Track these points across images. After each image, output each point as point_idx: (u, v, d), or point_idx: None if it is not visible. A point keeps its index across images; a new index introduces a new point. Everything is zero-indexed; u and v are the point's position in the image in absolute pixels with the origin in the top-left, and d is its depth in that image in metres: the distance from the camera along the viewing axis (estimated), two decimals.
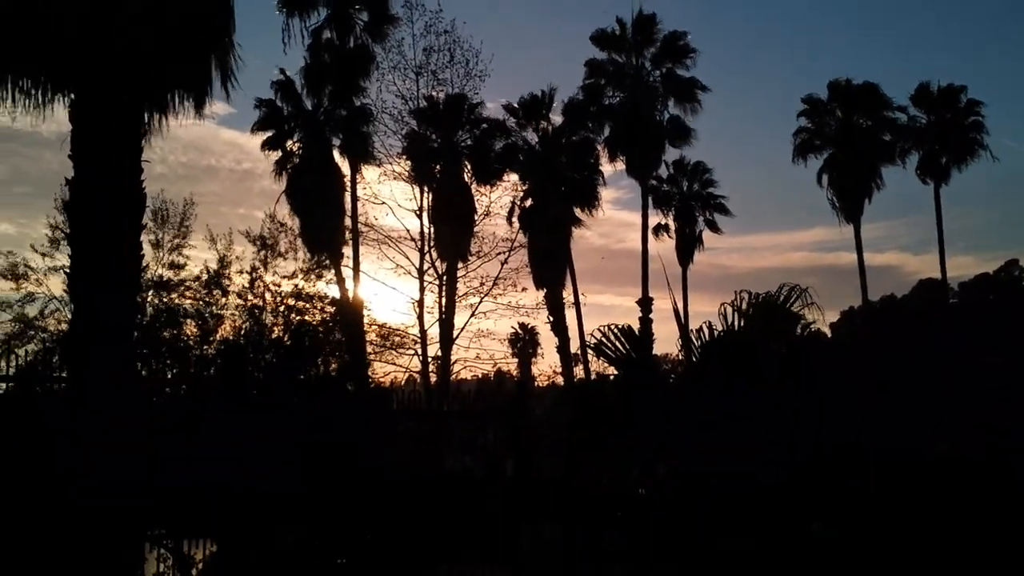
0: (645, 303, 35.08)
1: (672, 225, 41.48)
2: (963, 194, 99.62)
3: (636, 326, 12.31)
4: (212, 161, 71.71)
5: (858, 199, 38.57)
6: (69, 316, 16.45)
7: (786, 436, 10.06)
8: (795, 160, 39.86)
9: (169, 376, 19.09)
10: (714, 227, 41.96)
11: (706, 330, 11.28)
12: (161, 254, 21.84)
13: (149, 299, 20.38)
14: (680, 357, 12.55)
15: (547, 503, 10.86)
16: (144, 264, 13.56)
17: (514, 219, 35.10)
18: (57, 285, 20.36)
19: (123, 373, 11.05)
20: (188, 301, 21.42)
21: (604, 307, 77.21)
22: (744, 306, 11.13)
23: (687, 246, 41.41)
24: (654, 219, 39.62)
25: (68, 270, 11.67)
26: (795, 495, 9.97)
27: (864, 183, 38.47)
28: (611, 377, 12.27)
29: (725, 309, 11.15)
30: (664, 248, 40.67)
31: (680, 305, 35.88)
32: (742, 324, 11.14)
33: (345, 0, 29.92)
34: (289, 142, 30.65)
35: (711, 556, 10.01)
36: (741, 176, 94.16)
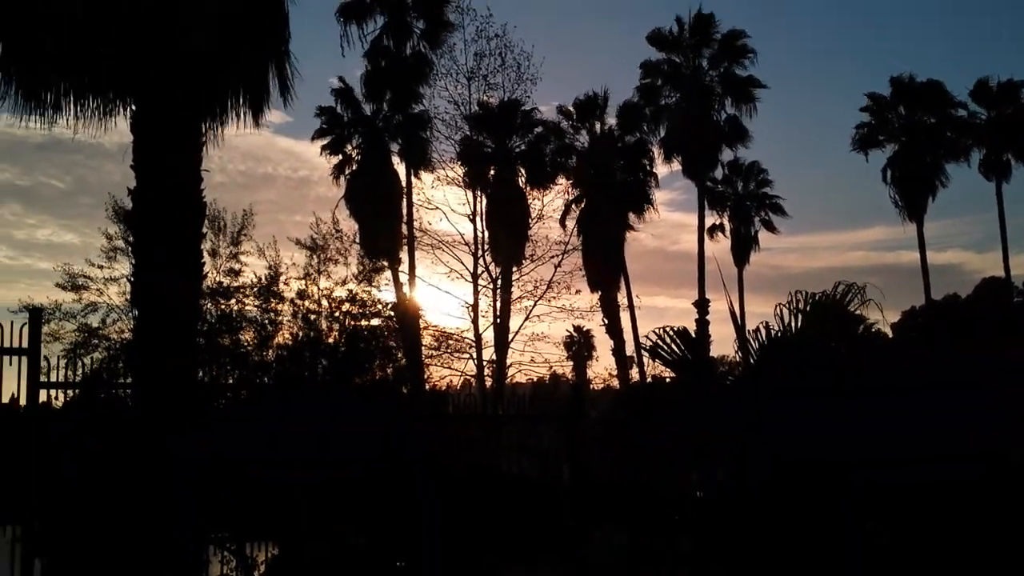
0: (702, 304, 34.86)
1: (727, 225, 41.22)
2: None
3: (692, 328, 12.23)
4: (269, 169, 72.83)
5: (922, 197, 38.02)
6: (130, 324, 16.82)
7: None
8: (854, 150, 39.37)
9: (229, 381, 19.36)
10: (770, 227, 41.63)
11: (763, 331, 11.15)
12: (219, 262, 22.16)
13: (208, 306, 20.69)
14: (737, 359, 12.42)
15: (606, 506, 10.82)
16: (204, 271, 13.78)
17: (567, 222, 35.14)
18: (116, 294, 20.77)
19: (185, 379, 11.25)
20: (246, 307, 21.71)
21: (659, 309, 76.67)
22: (801, 306, 10.98)
23: (743, 247, 41.10)
24: (709, 220, 39.44)
25: (130, 279, 11.90)
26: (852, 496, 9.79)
27: (928, 181, 37.91)
28: (667, 380, 12.18)
29: (781, 310, 11.01)
30: (719, 249, 40.46)
31: (736, 306, 35.52)
32: (799, 325, 10.99)
33: (402, 7, 30.26)
34: (348, 147, 31.14)
35: (773, 561, 9.88)
36: (798, 175, 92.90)
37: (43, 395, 10.48)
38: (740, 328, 11.78)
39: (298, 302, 22.50)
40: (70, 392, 11.44)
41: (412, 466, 10.33)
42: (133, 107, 11.55)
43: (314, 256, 23.90)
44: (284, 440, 10.08)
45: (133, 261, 11.74)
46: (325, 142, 31.15)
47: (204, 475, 9.75)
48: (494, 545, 10.58)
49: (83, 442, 9.82)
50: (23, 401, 10.32)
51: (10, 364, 10.18)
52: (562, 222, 35.10)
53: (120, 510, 9.54)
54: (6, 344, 10.06)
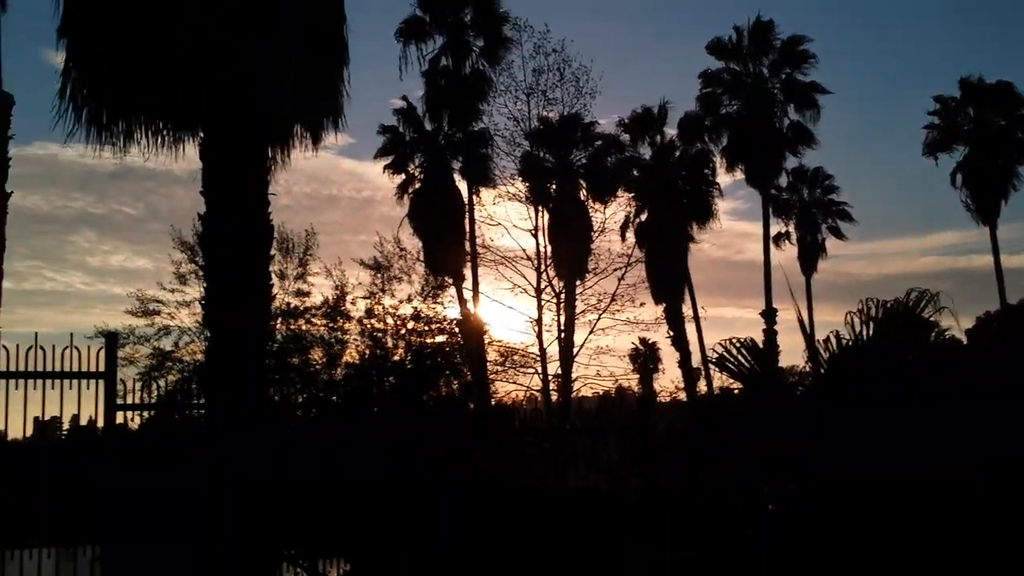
0: (769, 315, 34.37)
1: (794, 234, 40.68)
2: None
3: (759, 338, 12.07)
4: (334, 191, 73.74)
5: (994, 200, 37.10)
6: (202, 347, 17.18)
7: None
8: (925, 155, 38.59)
9: (300, 400, 19.65)
10: (838, 234, 40.98)
11: (834, 340, 10.97)
12: (287, 283, 22.56)
13: (278, 326, 21.04)
14: (807, 369, 12.22)
15: (673, 521, 10.70)
16: (272, 293, 14.03)
17: (628, 234, 35.01)
18: (187, 316, 21.25)
19: (257, 399, 11.45)
20: (314, 327, 22.05)
21: (725, 320, 75.67)
22: (872, 314, 10.78)
23: (810, 255, 40.51)
24: (774, 228, 38.94)
25: (200, 301, 12.16)
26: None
27: (1000, 183, 37.01)
28: (735, 392, 12.03)
29: (852, 318, 10.83)
30: (786, 258, 39.90)
31: (805, 315, 34.96)
32: (871, 333, 10.79)
33: (460, 27, 30.54)
34: (410, 166, 31.48)
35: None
36: (866, 181, 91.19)
37: (119, 417, 10.77)
38: (809, 337, 11.62)
39: (364, 321, 22.82)
40: (145, 414, 11.74)
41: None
42: (201, 135, 11.83)
43: (378, 275, 24.22)
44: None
45: (204, 285, 12.00)
46: (388, 161, 31.54)
47: None
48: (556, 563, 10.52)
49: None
50: (100, 423, 10.62)
51: (87, 387, 10.51)
52: (622, 234, 34.99)
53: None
54: (84, 368, 10.37)
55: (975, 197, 37.36)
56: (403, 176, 31.40)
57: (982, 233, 37.88)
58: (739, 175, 35.71)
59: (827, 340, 11.05)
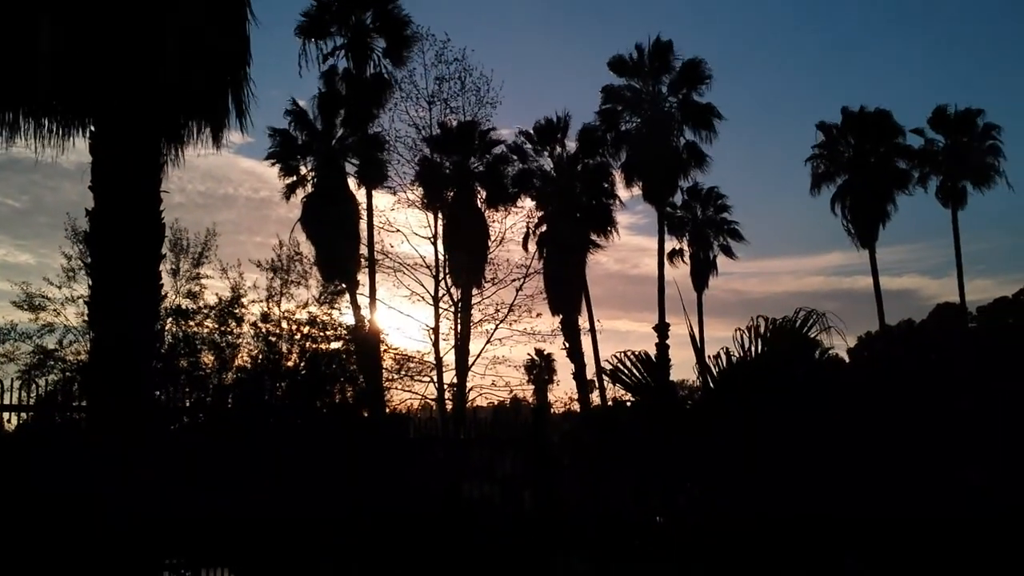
0: (662, 329, 35.00)
1: (687, 250, 41.57)
2: (984, 217, 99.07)
3: (653, 352, 12.27)
4: (230, 190, 72.24)
5: (872, 225, 38.62)
6: (87, 346, 16.58)
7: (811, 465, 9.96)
8: (812, 192, 40.04)
9: (187, 404, 19.12)
10: (728, 252, 42.08)
11: (723, 356, 11.23)
12: (179, 282, 21.97)
13: (167, 327, 20.47)
14: (697, 383, 12.47)
15: (571, 532, 10.78)
16: (163, 293, 13.63)
17: (529, 245, 35.21)
18: (74, 315, 20.49)
19: (142, 402, 11.08)
20: (205, 330, 21.52)
21: (621, 333, 77.13)
22: (762, 331, 11.07)
23: (702, 271, 41.48)
24: (669, 244, 39.73)
25: (86, 300, 11.74)
26: (829, 527, 9.84)
27: (877, 210, 38.53)
28: (628, 404, 12.20)
29: (741, 335, 11.09)
30: (679, 274, 40.79)
31: (696, 330, 35.60)
32: (759, 350, 11.08)
33: (362, 28, 30.22)
34: (302, 169, 30.92)
35: None
36: (758, 201, 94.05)
37: None
38: (700, 352, 11.85)
39: (259, 324, 22.38)
40: (23, 415, 11.23)
41: None
42: (92, 128, 11.42)
43: (275, 278, 23.81)
44: None
45: (89, 282, 11.57)
46: (280, 165, 30.92)
47: None
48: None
49: None
50: None
51: None
52: (524, 245, 35.19)
53: None
54: None
55: (855, 222, 38.84)
56: (294, 178, 30.79)
57: (866, 255, 39.42)
58: (637, 191, 36.33)
59: (717, 355, 11.31)
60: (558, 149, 35.82)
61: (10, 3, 10.31)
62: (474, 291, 32.78)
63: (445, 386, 32.35)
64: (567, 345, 35.04)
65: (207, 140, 11.86)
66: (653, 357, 11.83)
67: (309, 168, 30.89)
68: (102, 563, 9.55)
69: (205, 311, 21.74)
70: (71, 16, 10.34)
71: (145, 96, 10.71)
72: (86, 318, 15.82)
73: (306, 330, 23.11)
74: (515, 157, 34.60)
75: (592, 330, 35.73)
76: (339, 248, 29.11)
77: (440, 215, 32.93)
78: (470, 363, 32.35)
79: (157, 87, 10.47)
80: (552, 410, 38.15)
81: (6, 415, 10.62)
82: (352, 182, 30.64)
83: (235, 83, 11.55)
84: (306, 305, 23.57)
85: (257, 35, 11.79)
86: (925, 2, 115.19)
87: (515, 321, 34.02)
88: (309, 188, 30.62)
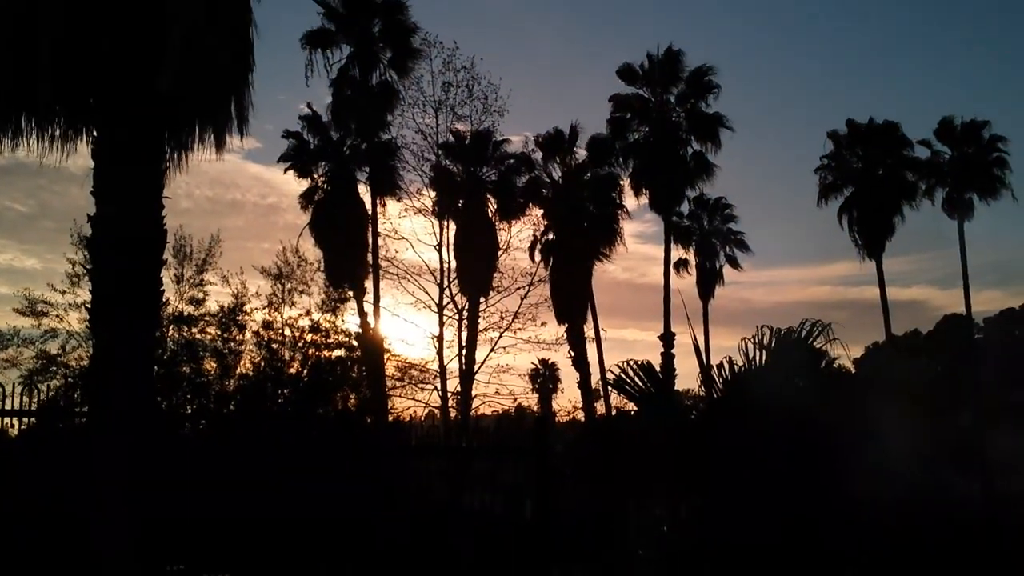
0: (667, 338, 34.91)
1: (693, 260, 41.53)
2: (992, 228, 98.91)
3: (658, 361, 12.22)
4: (238, 195, 72.36)
5: (878, 237, 38.48)
6: (90, 352, 16.52)
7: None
8: (820, 203, 39.81)
9: (189, 411, 19.10)
10: (734, 263, 42.00)
11: (727, 366, 11.16)
12: (182, 288, 21.93)
13: (169, 334, 20.44)
14: (701, 393, 12.41)
15: (572, 543, 10.71)
16: (165, 299, 13.58)
17: (536, 253, 35.16)
18: (77, 321, 20.46)
19: (143, 408, 11.03)
20: (208, 336, 21.47)
21: (627, 341, 76.87)
22: (766, 341, 11.01)
23: (708, 281, 41.44)
24: (676, 254, 39.67)
25: (89, 306, 11.71)
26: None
27: (884, 221, 38.39)
28: (631, 413, 12.15)
29: (746, 344, 11.04)
30: (685, 283, 40.74)
31: (701, 340, 35.60)
32: (764, 360, 11.02)
33: (368, 37, 30.26)
34: (315, 174, 31.06)
35: None
36: (766, 210, 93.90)
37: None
38: (704, 362, 11.79)
39: (262, 332, 22.32)
40: (25, 420, 11.21)
41: None
42: (94, 133, 11.41)
43: (279, 284, 23.74)
44: None
45: (91, 288, 11.53)
46: (292, 168, 31.11)
47: None
48: None
49: None
50: None
51: None
52: (531, 253, 35.15)
53: None
54: None
55: (861, 234, 38.70)
56: (309, 182, 31.05)
57: (873, 266, 39.25)
58: (644, 200, 36.27)
59: (720, 365, 11.25)
60: (567, 158, 35.76)
61: (13, 8, 10.30)
62: (480, 299, 32.77)
63: (449, 394, 32.32)
64: (572, 354, 34.99)
65: (209, 146, 11.83)
66: (656, 367, 11.79)
67: (321, 173, 31.06)
68: (104, 570, 9.50)
69: (207, 318, 21.66)
70: (72, 22, 10.33)
71: (146, 102, 10.68)
72: (88, 324, 15.80)
73: (310, 337, 23.04)
74: (523, 168, 34.59)
75: (597, 339, 35.70)
76: (347, 254, 29.21)
77: (448, 223, 32.96)
78: (474, 371, 32.31)
79: (158, 93, 10.43)
80: (557, 419, 38.06)
81: (8, 420, 10.62)
82: (362, 188, 30.80)
83: (237, 90, 11.52)
84: (309, 312, 23.50)
85: (264, 39, 11.75)
86: (933, 14, 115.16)
87: (520, 329, 34.00)
88: (320, 193, 30.81)
